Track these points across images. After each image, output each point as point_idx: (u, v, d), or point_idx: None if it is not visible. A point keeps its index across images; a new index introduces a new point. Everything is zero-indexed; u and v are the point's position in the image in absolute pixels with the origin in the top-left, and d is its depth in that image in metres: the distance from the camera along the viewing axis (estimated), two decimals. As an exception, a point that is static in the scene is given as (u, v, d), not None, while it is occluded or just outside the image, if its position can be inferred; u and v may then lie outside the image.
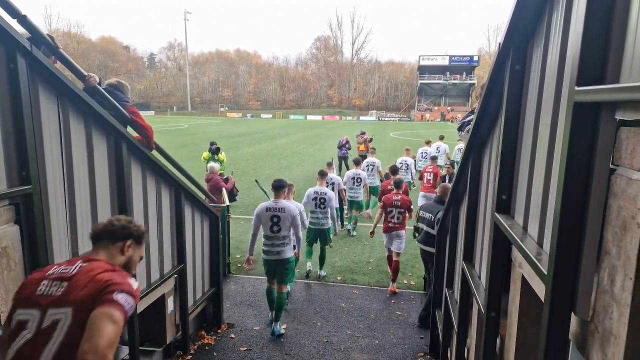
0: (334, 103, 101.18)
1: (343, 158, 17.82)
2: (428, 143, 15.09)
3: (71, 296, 1.89)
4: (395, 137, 38.17)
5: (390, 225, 7.36)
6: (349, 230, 10.36)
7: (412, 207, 7.52)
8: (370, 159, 11.78)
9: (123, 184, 3.65)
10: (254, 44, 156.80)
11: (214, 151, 12.44)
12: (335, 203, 7.97)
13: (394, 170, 9.45)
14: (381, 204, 7.64)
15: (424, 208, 6.52)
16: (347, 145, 17.61)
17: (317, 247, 7.73)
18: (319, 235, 7.49)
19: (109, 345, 1.74)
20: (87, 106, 3.14)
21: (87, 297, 1.87)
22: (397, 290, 7.13)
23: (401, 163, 12.22)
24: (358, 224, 10.50)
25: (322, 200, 7.38)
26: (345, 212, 10.65)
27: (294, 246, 5.88)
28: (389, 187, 8.22)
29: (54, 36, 3.00)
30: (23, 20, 2.56)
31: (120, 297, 1.88)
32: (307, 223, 6.58)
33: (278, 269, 5.65)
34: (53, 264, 2.19)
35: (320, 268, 7.67)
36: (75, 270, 2.01)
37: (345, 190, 9.90)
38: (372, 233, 7.73)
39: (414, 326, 6.07)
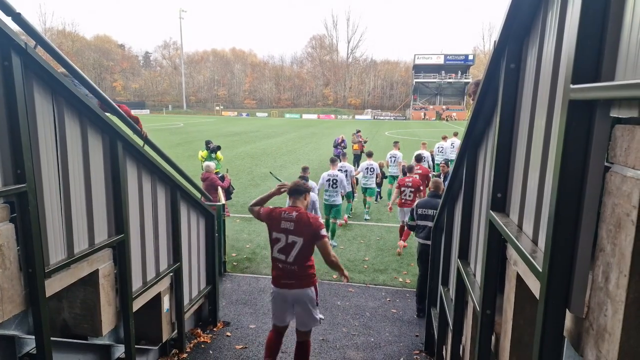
0: (330, 102, 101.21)
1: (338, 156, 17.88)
2: (444, 138, 16.28)
3: (300, 232, 3.99)
4: (391, 136, 38.21)
5: (403, 201, 9.15)
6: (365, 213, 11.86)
7: (421, 187, 9.21)
8: (393, 151, 13.49)
9: (118, 183, 3.63)
10: (250, 42, 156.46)
11: (214, 149, 12.38)
12: (347, 187, 10.31)
13: (418, 158, 11.40)
14: (397, 184, 9.60)
15: (423, 205, 6.43)
16: (342, 144, 17.71)
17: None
18: (332, 209, 9.31)
19: (332, 252, 4.06)
20: (82, 104, 3.12)
21: (310, 234, 3.99)
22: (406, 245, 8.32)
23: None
24: (354, 222, 11.25)
25: (334, 181, 9.22)
26: (355, 197, 12.00)
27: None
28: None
29: (48, 35, 2.97)
30: (18, 18, 2.55)
31: (323, 232, 4.04)
32: (318, 207, 7.98)
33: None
34: (280, 209, 4.17)
35: (332, 238, 9.34)
36: (294, 216, 4.04)
37: (357, 178, 11.69)
38: (390, 208, 9.98)
39: (409, 324, 6.08)
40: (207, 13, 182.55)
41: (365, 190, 11.64)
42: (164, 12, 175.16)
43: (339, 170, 9.91)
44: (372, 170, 11.44)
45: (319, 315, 4.26)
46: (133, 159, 3.96)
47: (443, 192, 6.16)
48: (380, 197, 13.69)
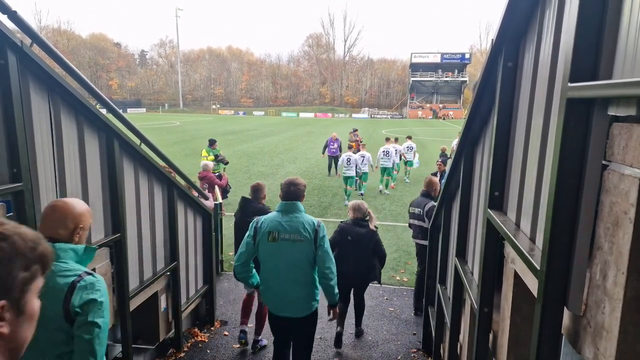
0: (327, 100, 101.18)
1: (333, 157, 17.31)
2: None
3: None
4: (388, 134, 38.19)
5: None
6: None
7: None
8: (457, 140, 16.55)
9: (115, 181, 3.62)
10: (246, 41, 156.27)
11: (221, 161, 12.41)
12: (362, 167, 13.75)
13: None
14: None
15: (413, 204, 6.57)
16: (336, 143, 17.21)
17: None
18: (347, 179, 13.25)
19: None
20: (78, 103, 3.11)
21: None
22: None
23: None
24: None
25: (349, 160, 13.17)
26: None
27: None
28: None
29: (43, 33, 2.96)
30: (14, 16, 2.53)
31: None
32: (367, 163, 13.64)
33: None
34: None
35: (347, 197, 13.14)
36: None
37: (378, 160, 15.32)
38: None
39: (406, 322, 6.09)
40: (203, 11, 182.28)
41: (383, 170, 15.26)
42: (160, 11, 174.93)
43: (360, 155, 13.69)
44: (387, 153, 14.95)
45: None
46: (130, 158, 3.95)
47: (438, 190, 6.23)
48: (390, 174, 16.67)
